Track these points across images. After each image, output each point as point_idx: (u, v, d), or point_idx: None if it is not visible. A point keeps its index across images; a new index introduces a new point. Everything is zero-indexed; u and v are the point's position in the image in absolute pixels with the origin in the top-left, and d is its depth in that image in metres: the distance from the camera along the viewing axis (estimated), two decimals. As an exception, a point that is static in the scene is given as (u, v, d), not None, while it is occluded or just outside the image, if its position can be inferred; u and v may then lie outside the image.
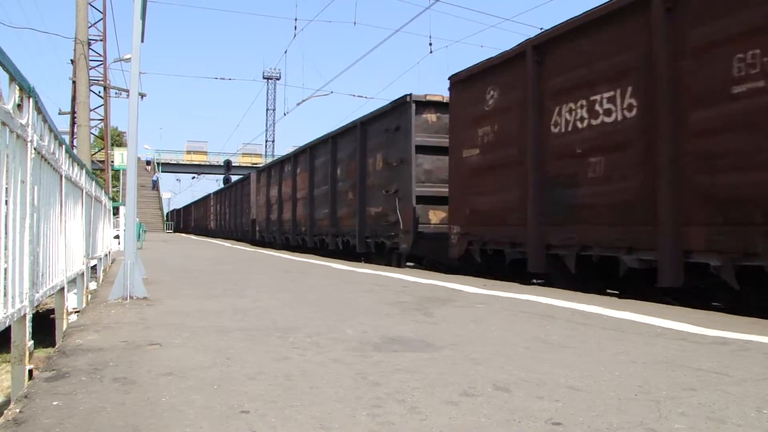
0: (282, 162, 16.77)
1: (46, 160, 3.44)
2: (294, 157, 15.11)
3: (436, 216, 8.63)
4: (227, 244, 20.67)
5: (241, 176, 29.83)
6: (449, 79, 7.62)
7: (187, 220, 50.07)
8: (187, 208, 52.94)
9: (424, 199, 8.50)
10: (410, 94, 8.63)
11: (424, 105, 8.62)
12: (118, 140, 43.41)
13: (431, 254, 8.41)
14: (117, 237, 14.50)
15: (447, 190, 7.91)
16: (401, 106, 8.81)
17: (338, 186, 11.52)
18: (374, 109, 9.99)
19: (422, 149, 8.53)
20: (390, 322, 3.42)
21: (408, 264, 9.01)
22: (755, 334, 2.99)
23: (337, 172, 11.59)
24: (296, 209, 14.77)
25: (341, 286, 5.71)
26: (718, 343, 2.80)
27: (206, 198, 37.86)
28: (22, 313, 2.64)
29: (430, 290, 5.17)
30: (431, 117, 8.69)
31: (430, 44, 25.31)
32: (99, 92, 22.22)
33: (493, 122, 6.75)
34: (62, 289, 4.34)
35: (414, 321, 3.47)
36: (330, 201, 11.81)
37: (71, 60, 19.40)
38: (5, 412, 1.83)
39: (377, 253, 9.76)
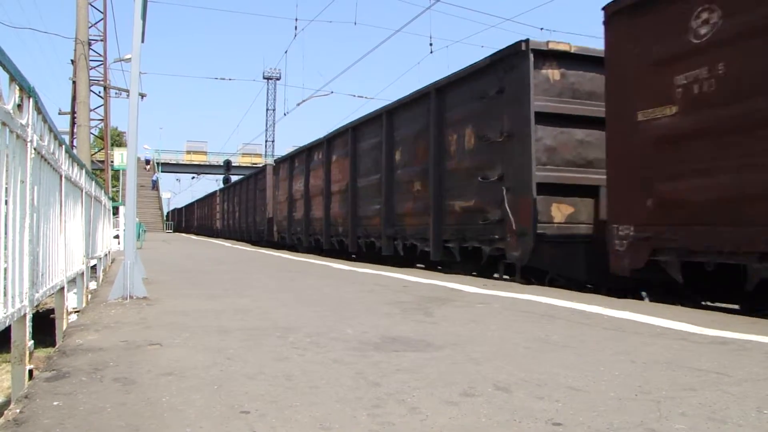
0: (310, 149, 13.54)
1: (45, 160, 3.44)
2: (327, 141, 12.11)
3: (560, 211, 6.24)
4: (227, 244, 20.64)
5: (241, 176, 29.26)
6: (604, 9, 5.24)
7: (189, 220, 47.59)
8: (189, 207, 49.92)
9: (545, 188, 6.11)
10: (526, 40, 6.21)
11: (543, 56, 6.25)
12: (118, 140, 43.43)
13: (556, 265, 5.98)
14: (117, 237, 14.51)
15: (576, 175, 6.15)
16: (510, 58, 6.39)
17: (397, 174, 8.95)
18: (457, 70, 7.47)
19: (542, 118, 6.14)
20: (390, 322, 3.42)
21: (498, 276, 6.65)
22: (755, 333, 2.99)
23: (395, 157, 9.01)
24: (330, 205, 11.98)
25: (341, 286, 5.71)
26: (718, 342, 2.80)
27: (212, 195, 34.62)
28: (22, 313, 2.64)
29: (430, 290, 5.17)
30: (553, 74, 6.30)
31: (431, 44, 25.20)
32: (99, 92, 22.24)
33: (712, 61, 4.37)
34: (62, 288, 4.34)
35: (414, 321, 3.47)
36: (384, 194, 9.20)
37: (71, 60, 19.42)
38: (5, 412, 1.83)
39: (464, 262, 7.35)
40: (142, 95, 20.84)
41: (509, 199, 6.27)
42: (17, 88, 2.56)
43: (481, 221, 6.74)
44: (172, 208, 60.29)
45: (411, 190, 8.52)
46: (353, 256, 11.06)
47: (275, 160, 18.06)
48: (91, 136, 20.97)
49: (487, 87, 6.74)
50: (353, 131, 10.71)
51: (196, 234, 37.59)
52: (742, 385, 2.06)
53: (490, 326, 3.29)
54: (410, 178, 8.55)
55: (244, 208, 22.75)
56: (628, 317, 3.54)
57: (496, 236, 6.50)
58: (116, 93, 22.95)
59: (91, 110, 19.46)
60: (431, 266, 8.31)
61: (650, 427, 1.62)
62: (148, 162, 58.91)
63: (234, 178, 32.94)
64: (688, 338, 2.91)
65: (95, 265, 7.28)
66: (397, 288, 5.36)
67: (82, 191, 5.68)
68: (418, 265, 8.94)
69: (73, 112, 20.30)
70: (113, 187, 29.37)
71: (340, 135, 11.56)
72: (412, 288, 5.36)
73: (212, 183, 59.95)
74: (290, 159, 15.43)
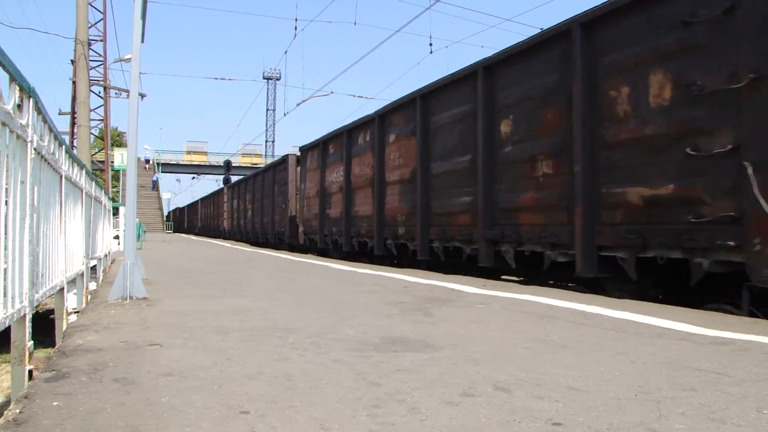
0: (351, 130, 10.89)
1: (46, 160, 3.44)
2: (380, 117, 9.53)
3: None
4: (227, 244, 20.61)
5: (241, 176, 28.88)
6: None
7: (192, 220, 44.28)
8: (191, 206, 46.93)
9: None
10: None
11: None
12: (118, 140, 43.48)
13: None
14: (117, 237, 14.51)
15: None
16: None
17: (503, 153, 6.42)
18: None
19: None
20: (390, 323, 3.42)
21: (742, 311, 4.10)
22: (755, 334, 2.99)
23: (500, 129, 6.48)
24: (385, 199, 9.36)
25: (341, 286, 5.71)
26: (718, 343, 2.80)
27: (218, 192, 31.80)
28: (21, 314, 2.64)
29: (429, 290, 5.17)
30: None
31: (431, 44, 25.30)
32: (99, 92, 22.28)
33: None
34: (62, 289, 4.34)
35: (414, 321, 3.47)
36: (481, 181, 6.65)
37: (71, 60, 19.46)
38: (5, 412, 1.83)
39: (646, 282, 4.93)
40: (142, 95, 20.82)
41: (762, 181, 3.96)
42: (17, 88, 2.56)
43: (691, 217, 4.38)
44: (173, 207, 60.34)
45: (531, 173, 5.99)
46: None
47: (301, 148, 14.42)
48: (91, 136, 21.00)
49: (698, 6, 4.44)
50: (423, 100, 8.17)
51: (202, 236, 34.46)
52: (742, 385, 2.06)
53: (489, 327, 3.29)
54: (530, 156, 6.01)
55: (259, 207, 19.78)
56: (628, 317, 3.54)
57: (728, 242, 4.12)
58: (116, 93, 23.01)
59: (91, 110, 19.48)
60: (555, 282, 6.14)
61: (650, 427, 1.62)
62: (147, 161, 59.02)
63: (234, 179, 32.49)
64: (688, 338, 2.91)
65: (95, 265, 7.28)
66: (396, 288, 5.36)
67: (82, 191, 5.69)
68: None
69: (73, 113, 20.32)
70: (113, 187, 29.38)
71: (400, 108, 8.94)
72: (412, 288, 5.36)
73: (212, 183, 60.20)
74: (322, 144, 12.53)
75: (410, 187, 8.49)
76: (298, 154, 14.78)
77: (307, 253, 13.52)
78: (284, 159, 16.40)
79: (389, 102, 9.23)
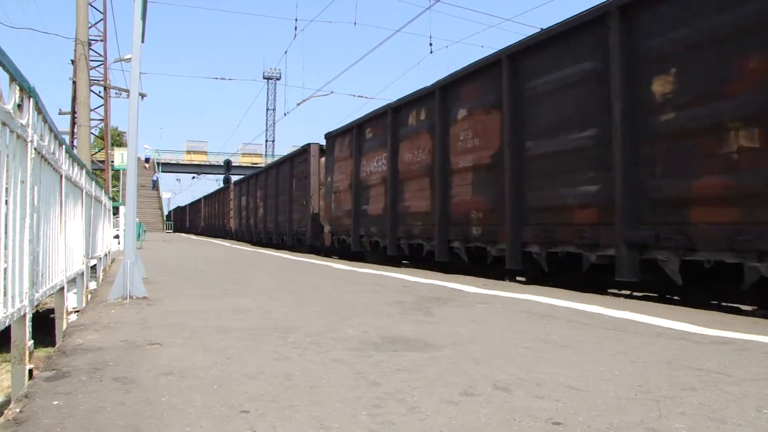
0: (397, 109, 9.01)
1: (46, 160, 3.44)
2: (441, 90, 7.72)
3: None
4: (227, 244, 20.60)
5: (241, 176, 28.65)
6: None
7: (194, 220, 42.64)
8: (194, 205, 44.81)
9: None
10: None
11: None
12: (119, 140, 43.46)
13: None
14: (117, 237, 14.51)
15: None
16: None
17: (656, 123, 4.64)
18: None
19: None
20: (390, 322, 3.42)
21: None
22: (756, 333, 2.99)
23: (650, 89, 4.72)
24: (451, 191, 7.44)
25: (342, 285, 5.71)
26: (719, 342, 2.80)
27: (224, 190, 29.53)
28: (22, 313, 2.64)
29: (430, 290, 5.17)
30: None
31: (431, 44, 25.32)
32: (99, 92, 22.28)
33: None
34: (62, 288, 4.34)
35: (414, 321, 3.47)
36: (620, 162, 4.87)
37: (72, 60, 19.45)
38: (5, 411, 1.83)
39: None
40: (142, 95, 20.81)
41: None
42: (17, 88, 2.56)
43: None
44: (173, 206, 60.33)
45: (715, 149, 4.16)
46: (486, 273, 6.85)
47: (326, 135, 12.23)
48: (92, 136, 21.01)
49: None
50: (511, 62, 6.34)
51: (205, 236, 32.31)
52: (742, 384, 2.06)
53: (490, 326, 3.29)
54: (712, 124, 4.21)
55: (273, 204, 17.31)
56: (629, 317, 3.54)
57: None
58: (116, 93, 23.01)
59: (91, 110, 19.48)
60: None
61: (650, 427, 1.62)
62: (147, 160, 59.05)
63: (234, 178, 32.18)
64: (688, 338, 2.91)
65: (95, 265, 7.28)
66: (397, 288, 5.36)
67: (82, 191, 5.69)
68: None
69: (73, 112, 20.32)
70: (113, 187, 29.36)
71: (473, 75, 7.11)
72: (413, 288, 5.36)
73: (212, 183, 60.28)
74: (356, 128, 10.56)
75: (491, 174, 6.63)
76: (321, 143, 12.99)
77: (330, 256, 12.25)
78: (305, 148, 14.30)
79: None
